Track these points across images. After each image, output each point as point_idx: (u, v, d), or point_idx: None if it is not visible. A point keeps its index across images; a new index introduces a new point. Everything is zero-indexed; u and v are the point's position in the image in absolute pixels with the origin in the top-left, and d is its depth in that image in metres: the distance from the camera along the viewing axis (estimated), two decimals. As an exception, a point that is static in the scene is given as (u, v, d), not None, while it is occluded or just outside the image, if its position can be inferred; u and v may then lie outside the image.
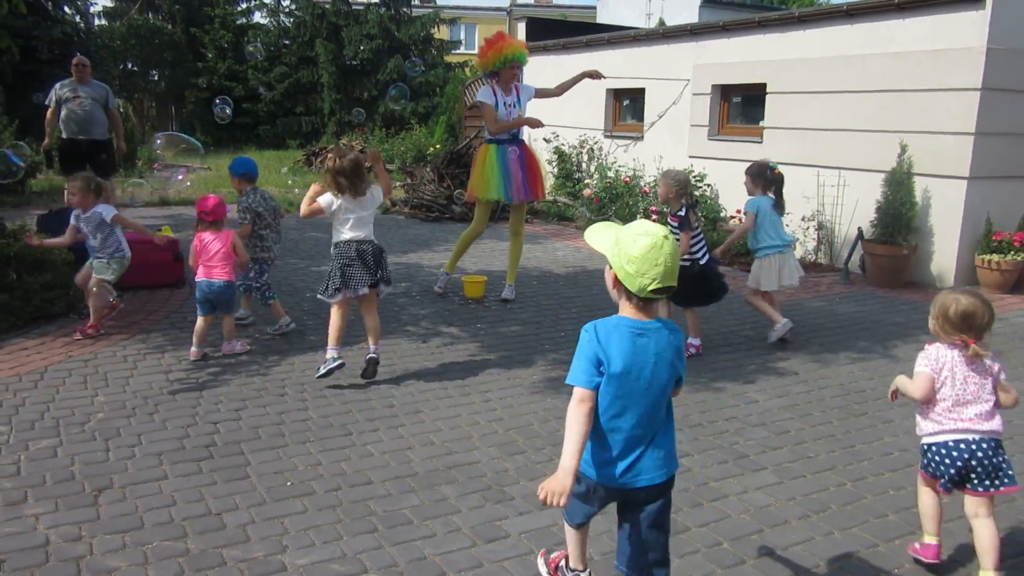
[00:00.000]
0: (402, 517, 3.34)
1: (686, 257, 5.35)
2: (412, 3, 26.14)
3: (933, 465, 2.93)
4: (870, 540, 3.24)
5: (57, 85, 8.95)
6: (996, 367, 2.90)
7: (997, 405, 2.89)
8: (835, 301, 7.23)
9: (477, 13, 35.91)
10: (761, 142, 9.39)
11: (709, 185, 9.91)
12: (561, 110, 12.66)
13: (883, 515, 3.44)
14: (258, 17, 29.75)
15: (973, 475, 2.86)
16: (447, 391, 4.83)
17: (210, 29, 27.18)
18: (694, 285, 5.38)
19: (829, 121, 8.59)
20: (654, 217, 10.17)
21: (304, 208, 5.02)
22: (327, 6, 25.82)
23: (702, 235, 5.59)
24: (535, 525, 3.30)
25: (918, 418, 3.00)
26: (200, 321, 5.27)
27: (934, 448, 2.92)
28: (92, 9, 26.36)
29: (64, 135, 8.92)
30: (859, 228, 8.11)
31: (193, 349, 5.26)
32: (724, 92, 10.04)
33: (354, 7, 25.86)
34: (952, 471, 2.87)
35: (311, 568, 2.95)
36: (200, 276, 5.29)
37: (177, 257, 7.07)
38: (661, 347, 2.38)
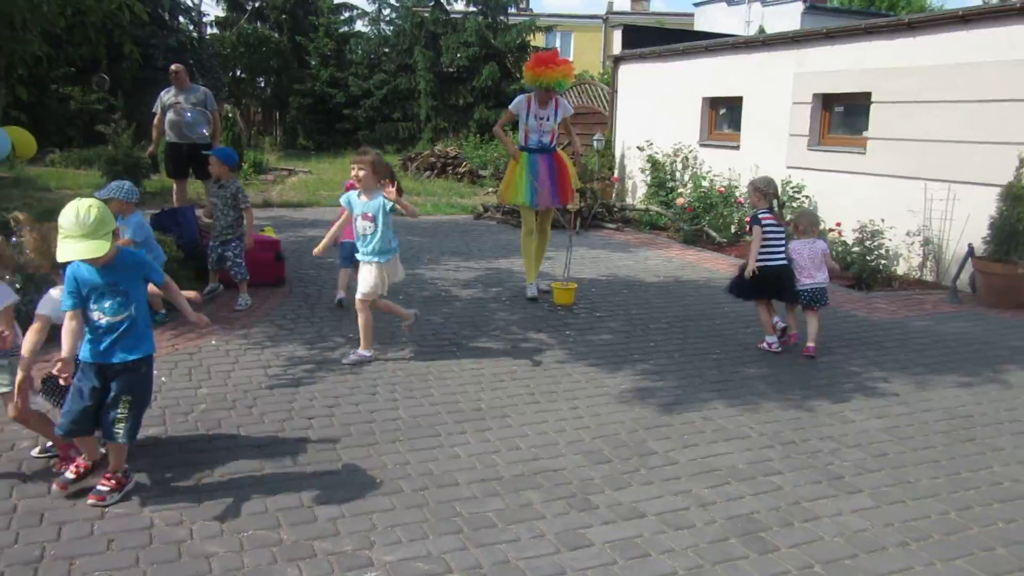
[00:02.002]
0: (487, 520, 3.37)
1: (761, 256, 5.80)
2: (509, 11, 26.37)
3: None
4: (975, 574, 3.08)
5: (162, 92, 9.39)
6: None
7: None
8: (941, 320, 6.91)
9: (573, 21, 35.91)
10: (864, 153, 9.07)
11: (808, 197, 9.64)
12: (655, 119, 12.56)
13: (990, 548, 3.26)
14: (359, 25, 30.62)
15: None
16: (534, 397, 4.84)
17: (314, 37, 28.10)
18: (745, 280, 5.88)
19: (939, 132, 8.22)
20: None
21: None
22: (426, 14, 26.32)
23: (777, 235, 5.84)
24: (620, 535, 3.27)
25: None
26: (341, 274, 6.80)
27: None
28: (205, 19, 27.67)
29: (169, 139, 9.36)
30: (969, 245, 7.73)
31: (338, 293, 6.77)
32: (826, 101, 9.75)
33: (452, 15, 26.28)
34: None
35: (397, 565, 3.00)
36: (344, 238, 6.44)
37: (278, 257, 7.32)
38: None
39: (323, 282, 7.57)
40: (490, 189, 14.68)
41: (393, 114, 26.85)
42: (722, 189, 10.75)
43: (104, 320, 3.32)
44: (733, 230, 10.42)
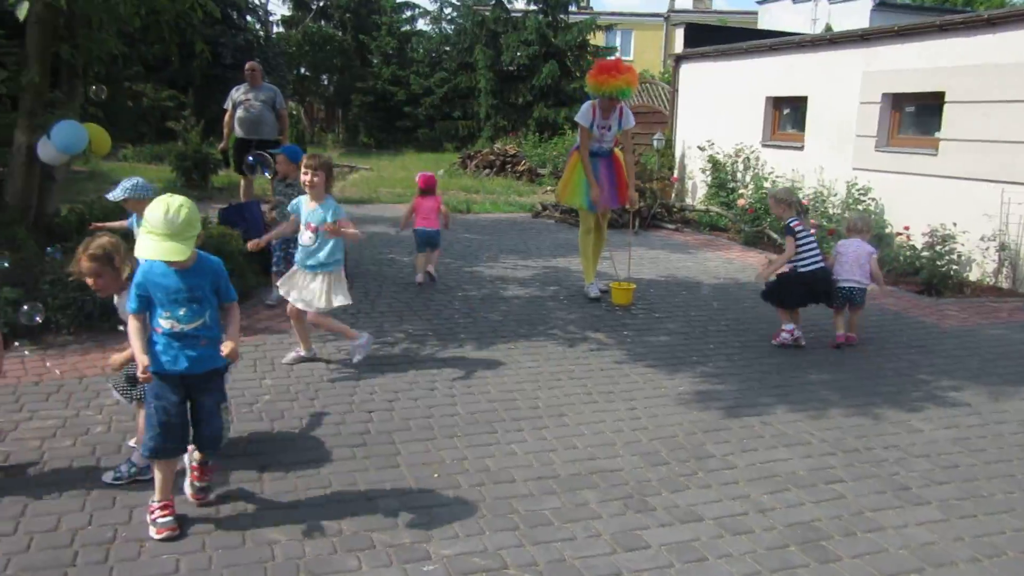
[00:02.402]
0: (543, 518, 3.38)
1: (801, 263, 5.88)
2: (569, 9, 26.31)
3: None
4: (1048, 590, 2.97)
5: (233, 89, 9.63)
6: None
7: None
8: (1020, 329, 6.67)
9: (634, 19, 35.65)
10: (936, 154, 8.80)
11: (874, 199, 9.40)
12: (717, 118, 12.40)
13: (1064, 564, 3.15)
14: (421, 24, 30.92)
15: None
16: (591, 396, 4.83)
17: (377, 36, 28.47)
18: (781, 287, 5.98)
19: (1019, 133, 7.93)
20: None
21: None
22: (487, 13, 26.44)
23: (809, 240, 5.91)
24: (677, 538, 3.25)
25: None
26: (418, 258, 7.54)
27: None
28: (271, 18, 28.27)
29: (239, 135, 9.59)
30: (1047, 250, 7.45)
31: (418, 277, 7.43)
32: (896, 101, 9.49)
33: (512, 14, 26.34)
34: None
35: (454, 559, 3.03)
36: (417, 225, 7.47)
37: (339, 252, 7.42)
38: None
39: (384, 278, 7.67)
40: (548, 187, 14.68)
41: (453, 112, 27.04)
42: (785, 190, 10.55)
43: (179, 328, 3.12)
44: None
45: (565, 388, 4.94)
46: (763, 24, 22.99)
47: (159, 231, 3.03)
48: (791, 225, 5.91)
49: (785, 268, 6.01)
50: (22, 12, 5.42)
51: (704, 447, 4.17)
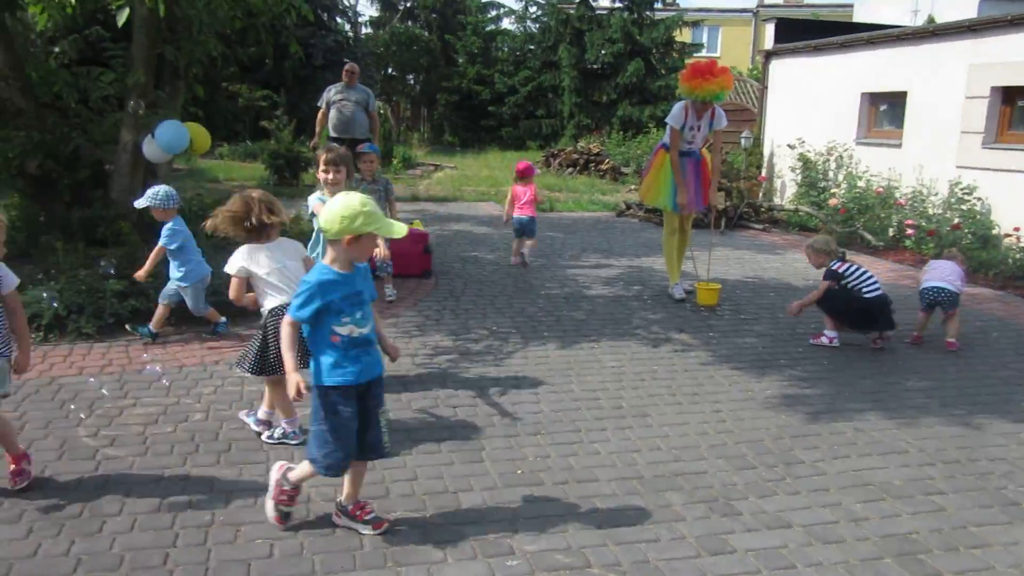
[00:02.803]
0: (626, 518, 3.36)
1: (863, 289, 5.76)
2: (655, 6, 26.00)
3: None
4: None
5: (328, 89, 9.88)
6: None
7: None
8: None
9: (721, 15, 34.99)
10: (1047, 152, 8.35)
11: (980, 199, 8.98)
12: (808, 115, 12.05)
13: None
14: (506, 23, 31.07)
15: None
16: (676, 398, 4.77)
17: (462, 35, 28.75)
18: (842, 303, 5.81)
19: None
20: (909, 231, 9.40)
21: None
22: (571, 11, 26.36)
23: (861, 273, 5.81)
24: (764, 544, 3.17)
25: None
26: (515, 243, 8.26)
27: None
28: (360, 19, 28.89)
29: (331, 134, 9.83)
30: None
31: (513, 259, 8.26)
32: (1006, 95, 9.02)
33: (597, 12, 26.19)
34: None
35: (538, 555, 3.04)
36: (514, 214, 8.06)
37: (426, 250, 7.55)
38: None
39: (468, 275, 7.74)
40: (632, 186, 14.56)
41: (536, 111, 27.08)
42: (880, 190, 10.18)
43: (357, 333, 3.00)
44: (891, 233, 9.86)
45: (649, 388, 4.89)
46: (859, 17, 22.21)
47: (374, 210, 2.91)
48: (833, 268, 5.86)
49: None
50: (122, 17, 5.69)
51: (792, 452, 4.06)
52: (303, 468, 3.16)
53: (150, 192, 5.24)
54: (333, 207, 2.90)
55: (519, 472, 3.74)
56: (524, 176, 8.14)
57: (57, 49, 7.46)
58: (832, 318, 5.91)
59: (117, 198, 6.73)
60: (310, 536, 3.12)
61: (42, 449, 3.78)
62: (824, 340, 5.89)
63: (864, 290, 5.72)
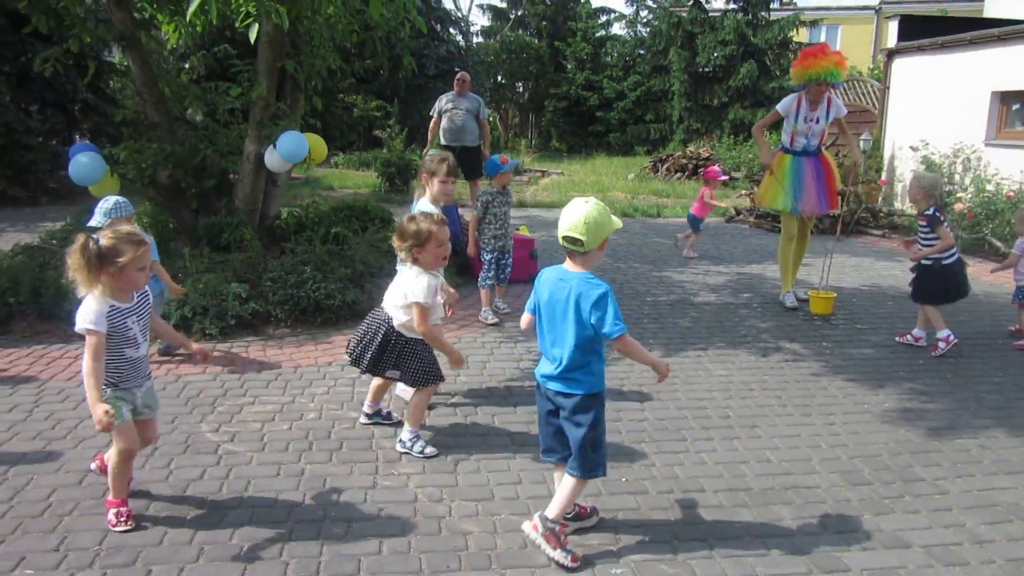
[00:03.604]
0: (734, 530, 3.29)
1: (931, 257, 5.68)
2: (771, 6, 25.29)
3: None
4: None
5: (440, 98, 10.10)
6: None
7: None
8: None
9: (841, 13, 33.69)
10: None
11: (1125, 203, 8.32)
12: (933, 116, 11.47)
13: None
14: (616, 28, 30.92)
15: None
16: (786, 409, 4.63)
17: (572, 42, 28.79)
18: (931, 283, 5.74)
19: None
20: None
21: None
22: (683, 14, 25.99)
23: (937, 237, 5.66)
24: (880, 564, 3.05)
25: None
26: (692, 236, 9.18)
27: None
28: (472, 28, 29.37)
29: (442, 142, 10.04)
30: None
31: (686, 251, 9.14)
32: None
33: (711, 14, 25.71)
34: None
35: (642, 564, 3.01)
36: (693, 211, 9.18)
37: (532, 255, 7.60)
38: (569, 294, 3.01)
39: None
40: (743, 191, 14.22)
41: (645, 115, 26.82)
42: (1011, 194, 9.57)
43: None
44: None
45: (758, 399, 4.77)
46: (990, 13, 20.90)
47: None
48: (937, 214, 5.65)
49: (928, 261, 5.76)
50: (253, 33, 5.99)
51: (911, 469, 3.88)
52: (566, 491, 3.07)
53: (102, 207, 4.76)
54: (594, 215, 2.93)
55: (624, 480, 3.72)
56: (707, 180, 9.34)
57: (188, 65, 7.91)
58: (934, 303, 5.76)
59: (240, 206, 7.08)
60: (417, 535, 3.20)
61: (169, 443, 4.02)
62: (909, 339, 5.83)
63: (948, 252, 5.69)
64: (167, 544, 3.12)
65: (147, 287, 3.31)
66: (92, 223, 4.67)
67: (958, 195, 10.54)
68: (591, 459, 3.05)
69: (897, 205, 11.95)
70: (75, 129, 14.72)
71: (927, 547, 3.17)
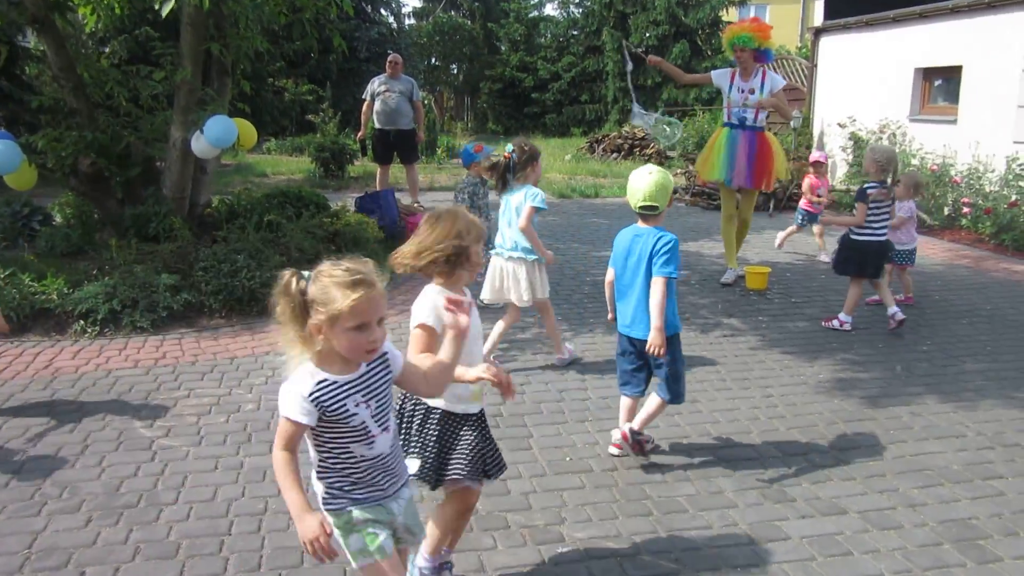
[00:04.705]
0: (677, 504, 3.33)
1: (864, 231, 5.59)
2: (702, -14, 25.52)
3: None
4: None
5: (372, 80, 9.94)
6: None
7: None
8: None
9: (769, -7, 34.22)
10: (1112, 124, 8.01)
11: (1039, 175, 8.66)
12: (859, 93, 11.76)
13: None
14: (549, 9, 30.88)
15: None
16: (725, 383, 4.71)
17: (505, 23, 28.64)
18: (843, 252, 5.78)
19: None
20: (965, 210, 9.13)
21: None
22: (615, -6, 26.06)
23: (887, 213, 5.65)
24: (819, 531, 3.12)
25: None
26: (793, 228, 8.30)
27: None
28: (403, 10, 28.96)
29: (376, 125, 9.89)
30: None
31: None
32: (1065, 67, 8.69)
33: (642, -6, 25.83)
34: None
35: (587, 542, 3.03)
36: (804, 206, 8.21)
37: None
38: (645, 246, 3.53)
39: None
40: (678, 170, 14.38)
41: (580, 96, 26.87)
42: (934, 167, 9.89)
43: None
44: (947, 212, 9.58)
45: (698, 375, 4.83)
46: (911, -9, 21.53)
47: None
48: (866, 190, 5.59)
49: (864, 235, 5.64)
50: (166, 8, 5.76)
51: (847, 437, 3.98)
52: (651, 410, 3.69)
53: None
54: (661, 181, 3.54)
55: (567, 459, 3.73)
56: (814, 163, 8.49)
57: (108, 49, 7.60)
58: (839, 261, 5.87)
59: (168, 194, 6.86)
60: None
61: (100, 440, 3.88)
62: (835, 324, 5.74)
63: (874, 229, 5.59)
64: (101, 544, 3.01)
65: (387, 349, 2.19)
66: None
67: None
68: (675, 388, 3.62)
69: (828, 181, 12.21)
70: (-11, 117, 14.06)
71: (863, 512, 3.26)
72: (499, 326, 4.92)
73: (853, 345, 5.38)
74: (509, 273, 4.87)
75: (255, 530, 3.11)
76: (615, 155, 17.47)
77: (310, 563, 2.89)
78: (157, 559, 2.92)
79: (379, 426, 2.15)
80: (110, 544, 3.01)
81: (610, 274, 3.78)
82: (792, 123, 12.70)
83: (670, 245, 3.49)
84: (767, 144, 6.76)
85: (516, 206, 4.87)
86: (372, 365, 2.14)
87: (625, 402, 3.77)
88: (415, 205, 9.38)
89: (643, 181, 3.55)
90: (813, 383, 4.72)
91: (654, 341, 3.46)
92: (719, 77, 6.76)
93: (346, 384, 2.09)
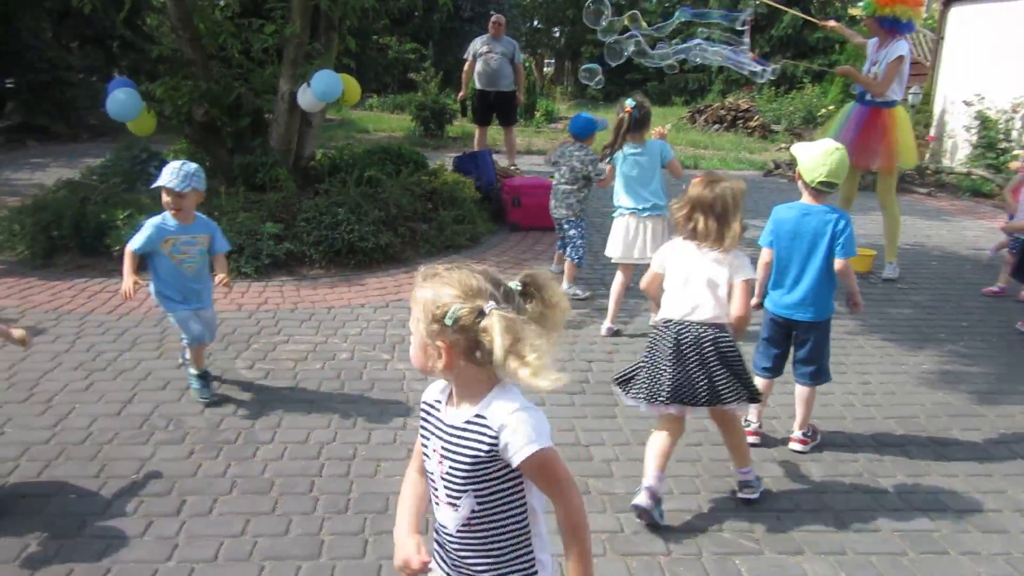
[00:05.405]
0: (765, 485, 3.25)
1: None
2: (820, -47, 24.40)
3: None
4: None
5: (476, 41, 9.91)
6: None
7: None
8: None
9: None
10: None
11: None
12: (991, 69, 11.03)
13: None
14: (657, -26, 30.06)
15: None
16: (821, 366, 4.56)
17: (611, -14, 28.11)
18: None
19: None
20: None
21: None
22: (727, -42, 25.18)
23: None
24: (913, 527, 3.01)
25: None
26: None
27: None
28: (509, -30, 28.70)
29: (477, 86, 9.88)
30: None
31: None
32: None
33: (756, -40, 24.89)
34: None
35: (667, 515, 3.00)
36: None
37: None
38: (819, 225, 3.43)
39: (605, 230, 7.64)
40: (783, 144, 13.90)
41: (683, 64, 26.25)
42: (1069, 153, 9.23)
43: None
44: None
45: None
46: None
47: None
48: None
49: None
50: None
51: (950, 432, 3.81)
52: (806, 402, 3.59)
53: (182, 170, 3.78)
54: (844, 161, 3.48)
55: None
56: None
57: (222, 2, 7.80)
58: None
59: (275, 146, 7.05)
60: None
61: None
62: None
63: None
64: (201, 476, 3.17)
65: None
66: (163, 183, 3.72)
67: (1015, 152, 10.18)
68: (823, 368, 3.55)
69: (946, 162, 11.60)
70: (114, 65, 14.73)
71: (962, 512, 3.12)
72: (615, 291, 4.94)
73: (963, 337, 5.12)
74: (645, 230, 4.97)
75: (344, 474, 3.22)
76: (717, 126, 17.02)
77: (393, 508, 2.97)
78: (252, 494, 3.06)
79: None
80: (209, 476, 3.16)
81: (767, 255, 3.60)
82: (910, 99, 12.08)
83: (849, 225, 3.41)
84: (880, 120, 6.18)
85: (653, 158, 5.04)
86: None
87: (764, 383, 3.56)
88: (512, 168, 9.37)
89: (829, 156, 3.40)
90: (916, 373, 4.52)
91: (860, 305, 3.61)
92: (869, 46, 6.26)
93: None
